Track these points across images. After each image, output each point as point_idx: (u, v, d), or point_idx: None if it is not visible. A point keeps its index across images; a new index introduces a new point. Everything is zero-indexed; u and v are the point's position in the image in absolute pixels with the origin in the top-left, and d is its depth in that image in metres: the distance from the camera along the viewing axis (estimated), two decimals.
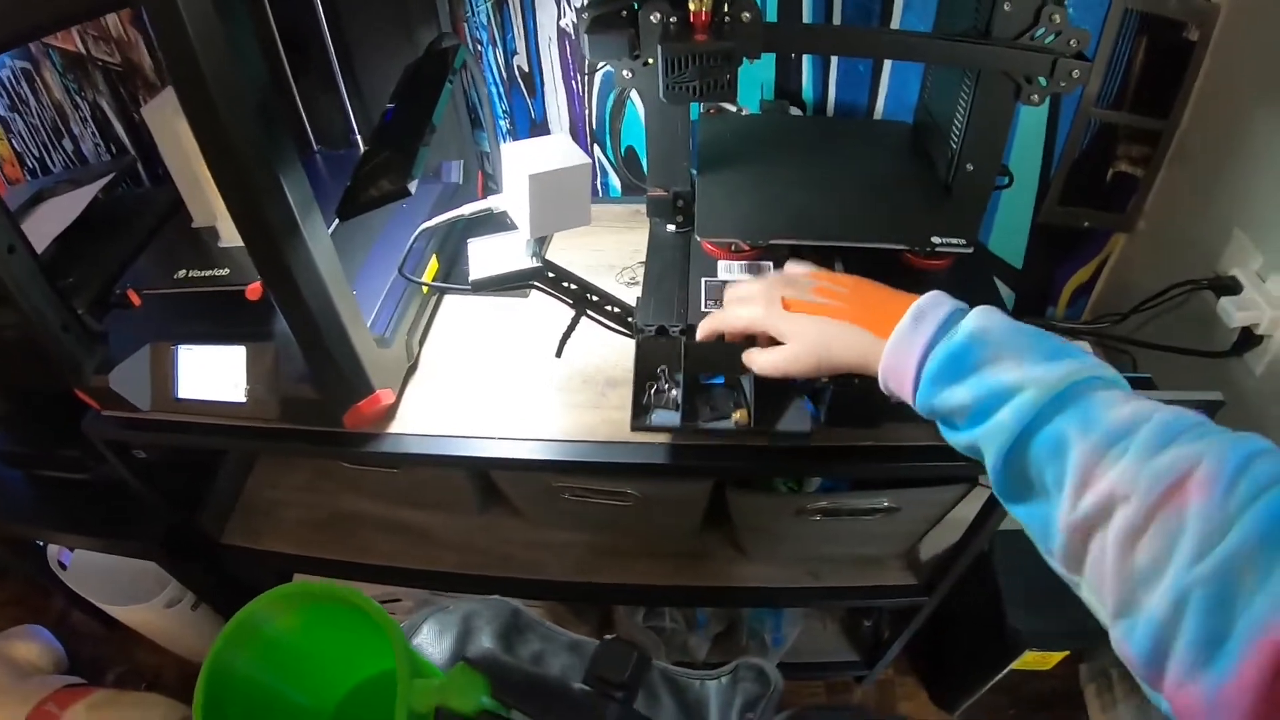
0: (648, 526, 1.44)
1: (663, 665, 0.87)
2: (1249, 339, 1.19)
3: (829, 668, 1.90)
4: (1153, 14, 1.27)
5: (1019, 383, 0.59)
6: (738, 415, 1.00)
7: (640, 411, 1.01)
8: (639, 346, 0.99)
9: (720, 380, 1.05)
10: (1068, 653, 1.64)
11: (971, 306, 0.69)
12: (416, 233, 0.96)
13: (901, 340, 0.69)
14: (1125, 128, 1.41)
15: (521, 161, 0.88)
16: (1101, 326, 1.42)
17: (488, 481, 1.44)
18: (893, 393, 0.72)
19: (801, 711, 0.57)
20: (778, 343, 0.82)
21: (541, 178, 0.87)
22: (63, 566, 1.68)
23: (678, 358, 0.99)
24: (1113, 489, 0.50)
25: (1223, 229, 1.26)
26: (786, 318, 0.81)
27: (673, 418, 1.00)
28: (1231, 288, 1.20)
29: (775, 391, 1.01)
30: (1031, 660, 1.64)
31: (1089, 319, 1.64)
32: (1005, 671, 1.67)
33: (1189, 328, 1.32)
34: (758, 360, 0.83)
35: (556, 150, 0.90)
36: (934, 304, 0.70)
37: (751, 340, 0.87)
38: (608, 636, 0.61)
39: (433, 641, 0.84)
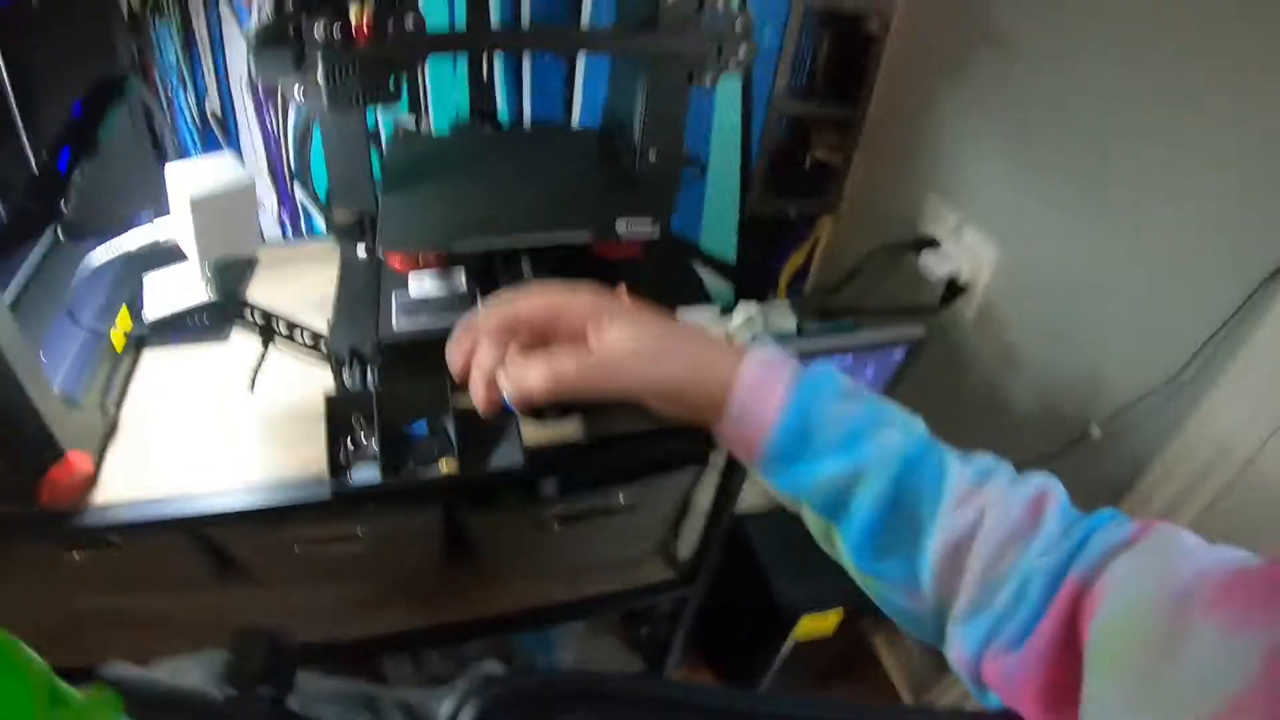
0: (390, 568, 1.39)
1: (396, 693, 0.84)
2: (955, 290, 1.27)
3: None
4: (832, 10, 1.36)
5: (896, 412, 0.57)
6: (444, 466, 0.96)
7: (337, 469, 0.95)
8: (327, 401, 0.94)
9: (422, 427, 1.01)
10: (842, 611, 1.69)
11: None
12: (78, 269, 0.89)
13: (779, 354, 0.59)
14: (818, 118, 1.49)
15: (184, 182, 0.84)
16: (817, 301, 1.49)
17: (217, 547, 1.35)
18: (743, 411, 0.57)
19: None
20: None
21: (204, 202, 0.84)
22: None
23: (370, 405, 0.95)
24: (984, 503, 0.52)
25: (919, 197, 1.35)
26: (633, 305, 0.62)
27: (373, 473, 0.95)
28: (932, 245, 1.28)
29: (481, 429, 0.98)
30: (810, 626, 1.68)
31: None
32: (791, 644, 1.71)
33: (905, 293, 1.41)
34: (554, 364, 0.57)
35: (221, 169, 0.87)
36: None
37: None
38: (238, 630, 0.56)
39: None
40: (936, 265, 1.26)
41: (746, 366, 0.57)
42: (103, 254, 0.90)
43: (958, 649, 0.53)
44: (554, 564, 1.48)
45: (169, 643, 1.37)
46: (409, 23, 0.90)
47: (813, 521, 0.60)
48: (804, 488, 0.57)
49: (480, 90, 1.39)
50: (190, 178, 0.85)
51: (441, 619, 1.44)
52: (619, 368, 0.57)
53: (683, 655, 1.82)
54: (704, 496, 1.33)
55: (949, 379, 1.23)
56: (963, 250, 1.26)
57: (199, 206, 0.84)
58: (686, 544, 1.52)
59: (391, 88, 0.91)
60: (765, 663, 1.80)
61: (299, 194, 1.52)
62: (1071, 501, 0.53)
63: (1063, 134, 1.11)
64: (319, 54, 0.88)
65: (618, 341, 0.58)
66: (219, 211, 0.85)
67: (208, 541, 1.31)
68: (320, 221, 1.56)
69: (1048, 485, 0.53)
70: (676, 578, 1.50)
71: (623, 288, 0.75)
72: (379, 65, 0.89)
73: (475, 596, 1.46)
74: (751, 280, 1.71)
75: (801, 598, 1.60)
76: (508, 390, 0.58)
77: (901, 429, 0.56)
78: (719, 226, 1.61)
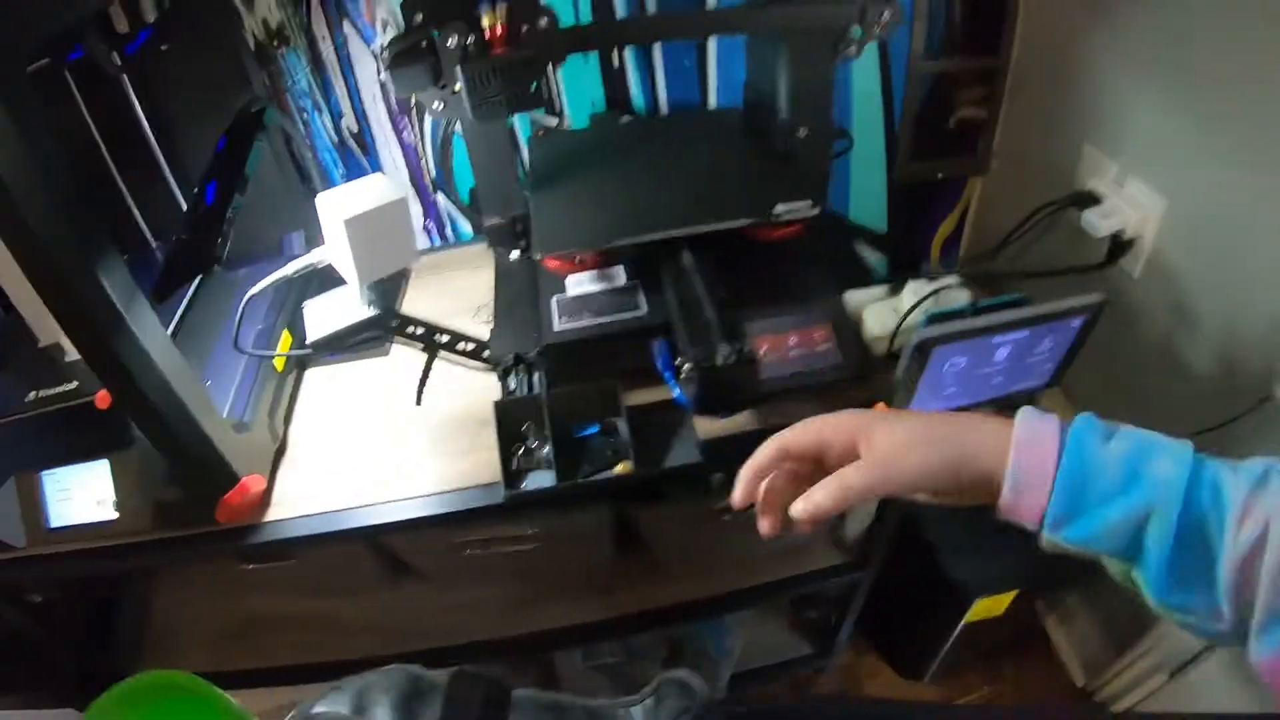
0: (560, 564, 1.38)
1: (585, 702, 0.82)
2: (1120, 246, 1.19)
3: (786, 666, 1.86)
4: None
5: (1159, 438, 0.57)
6: (619, 468, 0.93)
7: (511, 478, 0.93)
8: (497, 408, 0.93)
9: (594, 429, 0.98)
10: (1017, 592, 1.61)
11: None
12: (243, 302, 0.90)
13: (1038, 413, 0.60)
14: (959, 74, 1.42)
15: (336, 207, 0.84)
16: (974, 268, 1.42)
17: (387, 553, 1.37)
18: (1021, 477, 0.58)
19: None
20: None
21: (357, 221, 0.83)
22: None
23: (541, 411, 0.93)
24: (1268, 515, 0.51)
25: (1073, 148, 1.27)
26: (892, 412, 0.67)
27: (547, 478, 0.93)
28: (1092, 201, 1.20)
29: (654, 428, 0.95)
30: (983, 609, 1.60)
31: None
32: (961, 627, 1.64)
33: (1062, 251, 1.32)
34: (836, 483, 0.62)
35: (369, 189, 0.86)
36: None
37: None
38: (454, 670, 0.55)
39: None
40: (1101, 221, 1.17)
41: (1017, 433, 0.59)
42: (263, 285, 0.90)
43: (1259, 658, 0.51)
44: (723, 554, 1.45)
45: (342, 643, 1.43)
46: (543, 23, 0.88)
47: (1111, 566, 0.59)
48: (1095, 538, 0.57)
49: (613, 79, 1.36)
50: (341, 202, 0.84)
51: (610, 613, 1.43)
52: (895, 465, 0.61)
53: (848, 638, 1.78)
54: None
55: (1117, 340, 1.15)
56: (1126, 203, 1.17)
57: (354, 226, 0.83)
58: (853, 523, 1.47)
59: (533, 91, 0.89)
60: (936, 643, 1.73)
61: (443, 201, 1.52)
62: None
63: (1230, 70, 1.01)
64: (457, 67, 0.86)
65: (888, 444, 0.62)
66: (374, 229, 0.84)
67: (379, 547, 1.33)
68: (466, 226, 1.57)
69: None
70: (847, 561, 1.46)
71: (880, 405, 0.79)
72: (518, 71, 0.87)
73: (644, 589, 1.44)
74: (903, 249, 1.64)
75: (976, 579, 1.52)
76: (800, 513, 0.62)
77: (1171, 455, 0.55)
78: (867, 196, 1.55)
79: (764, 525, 0.68)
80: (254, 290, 0.90)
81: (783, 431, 0.67)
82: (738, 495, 0.69)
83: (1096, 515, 0.56)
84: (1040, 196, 1.31)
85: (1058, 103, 1.30)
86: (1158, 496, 0.54)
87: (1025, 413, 0.60)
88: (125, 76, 1.20)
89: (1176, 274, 1.15)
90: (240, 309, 0.91)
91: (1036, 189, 1.36)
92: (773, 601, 1.80)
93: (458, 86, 0.90)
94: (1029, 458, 0.58)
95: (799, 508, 0.62)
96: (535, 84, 0.89)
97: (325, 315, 0.91)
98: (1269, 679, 0.50)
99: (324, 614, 1.47)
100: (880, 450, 0.62)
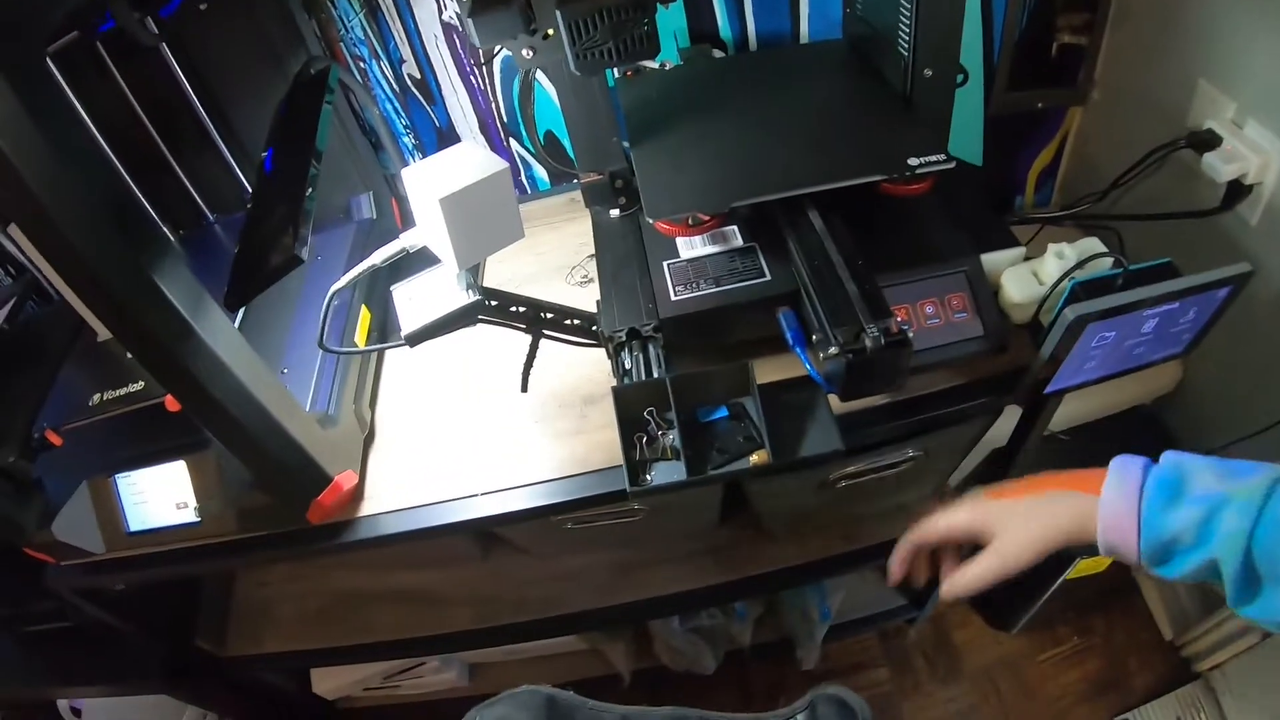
0: (664, 533, 1.33)
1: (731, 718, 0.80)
2: (1238, 190, 1.10)
3: (877, 618, 1.82)
4: None
5: (1231, 492, 0.65)
6: (755, 457, 0.83)
7: (635, 471, 0.83)
8: (615, 394, 0.83)
9: (723, 413, 0.88)
10: None
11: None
12: (327, 297, 0.81)
13: (1119, 485, 0.71)
14: None
15: (428, 185, 0.74)
16: (1082, 208, 1.33)
17: (483, 529, 1.32)
18: (1114, 546, 0.72)
19: None
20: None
21: (454, 199, 0.73)
22: (76, 715, 1.60)
23: (664, 394, 0.83)
24: None
25: (1185, 83, 1.17)
26: (1000, 504, 0.80)
27: (677, 470, 0.82)
28: (1210, 142, 1.11)
29: (788, 410, 0.86)
30: (1085, 566, 1.59)
31: (1060, 202, 1.56)
32: (1059, 583, 1.59)
33: (1168, 192, 1.24)
34: (970, 573, 0.80)
35: (464, 161, 0.76)
36: (1128, 458, 0.73)
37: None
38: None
39: None
40: (1223, 166, 1.08)
41: (1105, 500, 0.71)
42: (349, 279, 0.81)
43: None
44: (832, 518, 1.41)
45: (438, 616, 1.39)
46: None
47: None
48: (1181, 579, 0.70)
49: (698, 8, 1.25)
50: (433, 176, 0.75)
51: (713, 579, 1.39)
52: (1017, 554, 0.76)
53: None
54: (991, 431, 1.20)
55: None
56: (1245, 146, 1.08)
57: (450, 205, 0.73)
58: (958, 475, 1.40)
59: (644, 37, 0.79)
60: (1032, 597, 1.69)
61: (517, 147, 1.42)
62: None
63: None
64: (557, 12, 0.76)
65: (1008, 538, 0.77)
66: (473, 207, 0.75)
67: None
68: (543, 173, 1.47)
69: None
70: None
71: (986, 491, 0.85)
72: (629, 11, 0.77)
73: (748, 554, 1.40)
74: (998, 182, 1.54)
75: None
76: (950, 593, 0.82)
77: (1239, 508, 0.64)
78: (963, 128, 1.43)
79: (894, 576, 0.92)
80: (339, 284, 0.81)
81: (923, 529, 0.86)
82: (895, 574, 0.92)
83: (1176, 566, 0.69)
84: (1145, 131, 1.22)
85: (1168, 32, 1.19)
86: (1224, 548, 0.64)
87: (1109, 488, 0.71)
88: (164, 46, 1.11)
89: None
90: (325, 306, 0.81)
91: (1140, 123, 1.27)
92: (876, 564, 1.76)
93: (551, 31, 0.80)
94: (1115, 535, 0.71)
95: (949, 589, 0.82)
96: (645, 27, 0.80)
97: (419, 302, 0.83)
98: None
99: (418, 587, 1.45)
100: (1004, 543, 0.77)
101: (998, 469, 1.25)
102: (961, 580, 0.80)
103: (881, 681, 1.85)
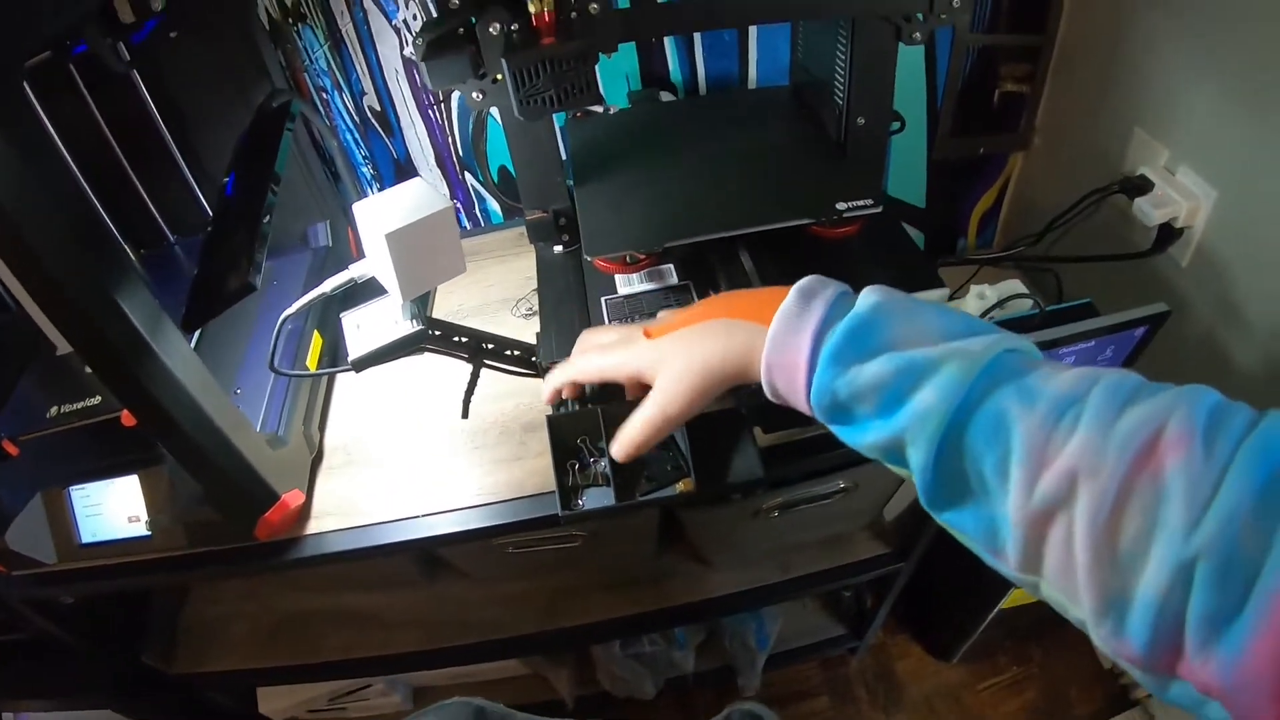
0: (603, 560, 1.36)
1: None
2: (1169, 234, 1.16)
3: (819, 647, 1.86)
4: None
5: (939, 357, 0.50)
6: (682, 485, 0.86)
7: (568, 496, 0.86)
8: (550, 422, 0.86)
9: None
10: None
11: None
12: (279, 322, 0.84)
13: (789, 320, 0.58)
14: (1004, 48, 1.37)
15: (376, 219, 0.77)
16: (1018, 250, 1.38)
17: (427, 552, 1.35)
18: (779, 393, 0.61)
19: None
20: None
21: (399, 234, 0.76)
22: None
23: (597, 424, 0.86)
24: (1074, 465, 0.43)
25: (1121, 131, 1.23)
26: (650, 344, 0.70)
27: (607, 496, 0.86)
28: (1142, 187, 1.17)
29: (713, 438, 0.89)
30: (1019, 595, 1.60)
31: (1002, 244, 1.61)
32: (995, 611, 1.64)
33: (1104, 234, 1.29)
34: (623, 435, 0.72)
35: (412, 198, 0.80)
36: (819, 283, 0.60)
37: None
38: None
39: None
40: (1154, 210, 1.13)
41: (771, 335, 0.58)
42: (300, 305, 0.85)
43: (1116, 645, 0.44)
44: (767, 547, 1.44)
45: (384, 638, 1.43)
46: (593, 8, 0.81)
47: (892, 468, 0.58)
48: (859, 449, 0.57)
49: (649, 53, 1.29)
50: (381, 212, 0.78)
51: (652, 605, 1.42)
52: (674, 397, 0.66)
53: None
54: None
55: (1161, 332, 1.12)
56: (1177, 191, 1.13)
57: (396, 240, 0.77)
58: (893, 511, 1.45)
59: (585, 86, 0.83)
60: (969, 627, 1.74)
61: (472, 180, 1.46)
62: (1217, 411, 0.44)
63: None
64: (503, 60, 0.80)
65: (665, 379, 0.67)
66: (418, 242, 0.78)
67: (423, 550, 1.30)
68: (496, 207, 1.51)
69: (1171, 412, 0.43)
70: (890, 551, 1.44)
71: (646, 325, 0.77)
72: (570, 62, 0.81)
73: (686, 583, 1.43)
74: (940, 224, 1.60)
75: None
76: (619, 454, 0.73)
77: (945, 381, 0.49)
78: (907, 171, 1.50)
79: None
80: (290, 310, 0.84)
81: (574, 367, 0.78)
82: (546, 399, 0.83)
83: (858, 433, 0.55)
84: (1083, 176, 1.28)
85: (1106, 82, 1.25)
86: (910, 427, 0.50)
87: (780, 317, 0.58)
88: (135, 72, 1.14)
89: (1226, 266, 1.11)
90: (277, 330, 0.85)
91: (1079, 168, 1.33)
92: (813, 593, 1.79)
93: (499, 76, 0.84)
94: (782, 376, 0.59)
95: (615, 448, 0.73)
96: (588, 78, 0.83)
97: (365, 330, 0.86)
98: (1140, 669, 0.44)
99: (364, 609, 1.47)
100: (658, 393, 0.67)
101: None
102: (623, 435, 0.71)
103: (822, 710, 1.88)
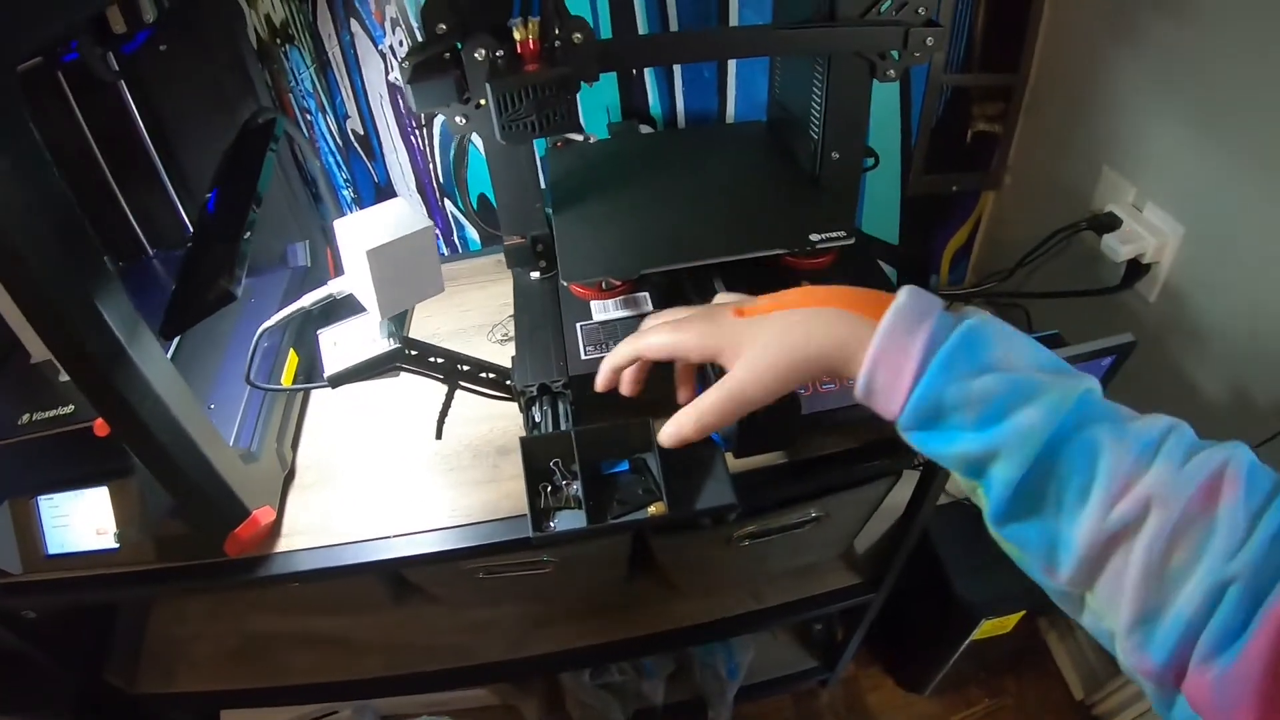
0: (573, 587, 1.36)
1: None
2: (1137, 269, 1.18)
3: (790, 679, 1.85)
4: None
5: (1042, 383, 0.53)
6: (653, 509, 0.87)
7: (539, 518, 0.86)
8: (524, 444, 0.87)
9: (625, 466, 0.92)
10: (1025, 612, 1.60)
11: None
12: (257, 335, 0.85)
13: (905, 318, 0.57)
14: (977, 88, 1.40)
15: (357, 236, 0.78)
16: (989, 286, 1.41)
17: (397, 575, 1.34)
18: (875, 388, 0.58)
19: None
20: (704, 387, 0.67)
21: (380, 251, 0.78)
22: None
23: (570, 447, 0.87)
24: (1150, 493, 0.48)
25: (1090, 169, 1.26)
26: (742, 321, 0.66)
27: (578, 519, 0.86)
28: (1110, 224, 1.20)
29: (686, 465, 0.89)
30: (990, 628, 1.61)
31: (973, 280, 1.64)
32: (966, 644, 1.65)
33: (1074, 270, 1.32)
34: (686, 417, 0.67)
35: (393, 217, 0.81)
36: (924, 292, 0.59)
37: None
38: None
39: None
40: (1121, 246, 1.16)
41: (883, 331, 0.57)
42: (279, 319, 0.85)
43: (1139, 656, 0.49)
44: (739, 576, 1.44)
45: (350, 662, 1.42)
46: (577, 38, 0.83)
47: (959, 478, 0.58)
48: (940, 458, 0.57)
49: (630, 86, 1.32)
50: (362, 230, 0.79)
51: (622, 633, 1.41)
52: (756, 380, 0.63)
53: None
54: (894, 497, 1.25)
55: (1130, 364, 1.14)
56: (1144, 228, 1.16)
57: (376, 258, 0.78)
58: (864, 542, 1.46)
59: (566, 113, 0.85)
60: (940, 659, 1.74)
61: (451, 207, 1.48)
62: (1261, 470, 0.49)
63: (1255, 98, 0.98)
64: (487, 85, 0.82)
65: (746, 361, 0.63)
66: (398, 261, 0.79)
67: (394, 573, 1.30)
68: (475, 234, 1.52)
69: (1228, 461, 0.48)
70: (861, 582, 1.44)
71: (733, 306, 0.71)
72: (553, 89, 0.82)
73: (657, 611, 1.43)
74: (913, 261, 1.62)
75: (985, 600, 1.52)
76: (667, 441, 0.69)
77: (1047, 406, 0.52)
78: (881, 207, 1.52)
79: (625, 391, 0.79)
80: (268, 324, 0.85)
81: (643, 340, 0.72)
82: (599, 384, 0.79)
83: (940, 441, 0.56)
84: (1053, 213, 1.31)
85: (1076, 122, 1.29)
86: (1009, 443, 0.52)
87: (895, 314, 0.57)
88: (122, 82, 1.15)
89: (1193, 301, 1.14)
90: (254, 343, 0.86)
91: (1050, 206, 1.36)
92: (784, 623, 1.79)
93: (483, 101, 0.85)
94: (886, 372, 0.57)
95: (668, 434, 0.69)
96: (569, 105, 0.85)
97: (342, 347, 0.87)
98: (1152, 683, 0.49)
99: (332, 633, 1.45)
100: (740, 373, 0.64)
101: (901, 531, 1.30)
102: (688, 416, 0.67)
103: None
